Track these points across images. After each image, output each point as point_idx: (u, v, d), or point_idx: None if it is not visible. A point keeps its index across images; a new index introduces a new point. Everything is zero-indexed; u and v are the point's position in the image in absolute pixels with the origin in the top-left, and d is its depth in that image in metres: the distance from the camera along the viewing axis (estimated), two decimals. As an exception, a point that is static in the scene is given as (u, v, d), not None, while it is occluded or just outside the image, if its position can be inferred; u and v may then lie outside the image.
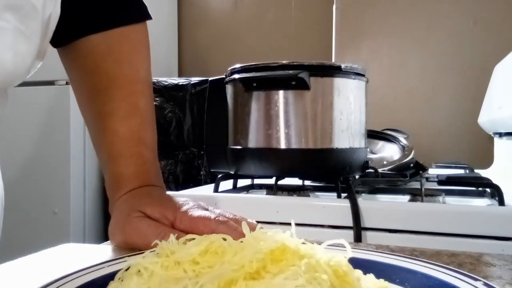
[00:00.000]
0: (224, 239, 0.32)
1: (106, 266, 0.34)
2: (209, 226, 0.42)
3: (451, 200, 0.85)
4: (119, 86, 0.57)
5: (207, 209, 0.46)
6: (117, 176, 0.55)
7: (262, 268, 0.28)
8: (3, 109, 0.54)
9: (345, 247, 0.30)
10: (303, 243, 0.30)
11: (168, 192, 0.58)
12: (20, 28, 0.46)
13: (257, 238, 0.30)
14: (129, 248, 0.45)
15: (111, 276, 0.32)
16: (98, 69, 0.57)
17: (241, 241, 0.31)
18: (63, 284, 0.31)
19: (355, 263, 0.30)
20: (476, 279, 0.31)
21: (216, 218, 0.43)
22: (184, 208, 0.46)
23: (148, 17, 0.60)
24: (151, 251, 0.32)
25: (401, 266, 0.35)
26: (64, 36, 0.58)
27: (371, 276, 0.32)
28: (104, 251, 0.47)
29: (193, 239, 0.32)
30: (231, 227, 0.42)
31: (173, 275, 0.29)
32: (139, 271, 0.30)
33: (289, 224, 0.31)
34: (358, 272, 0.31)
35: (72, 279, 0.32)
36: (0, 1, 0.43)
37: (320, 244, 0.30)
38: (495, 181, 0.81)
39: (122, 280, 0.31)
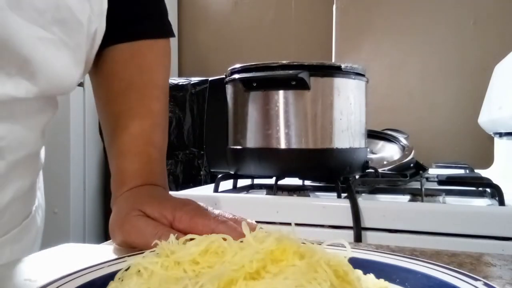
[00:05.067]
0: (224, 239, 0.32)
1: (106, 266, 0.34)
2: (208, 226, 0.42)
3: (451, 200, 0.85)
4: (136, 89, 0.59)
5: (206, 210, 0.46)
6: (121, 172, 0.56)
7: (262, 268, 0.28)
8: (52, 116, 0.56)
9: (345, 247, 0.30)
10: (303, 243, 0.30)
11: (169, 192, 0.58)
12: (64, 40, 0.49)
13: (257, 238, 0.30)
14: (128, 247, 0.45)
15: (111, 276, 0.32)
16: (119, 74, 0.59)
17: (241, 241, 0.31)
18: (63, 284, 0.31)
19: (355, 263, 0.30)
20: (476, 279, 0.31)
21: (215, 218, 0.43)
22: (184, 208, 0.46)
23: (172, 34, 0.64)
24: (151, 251, 0.32)
25: (401, 266, 0.35)
26: None
27: (371, 276, 0.32)
28: (104, 251, 0.47)
29: (193, 239, 0.32)
30: (231, 227, 0.42)
31: (173, 275, 0.29)
32: (139, 271, 0.30)
33: (289, 224, 0.31)
34: (358, 272, 0.31)
35: (72, 279, 0.32)
36: (49, 15, 0.46)
37: (320, 244, 0.30)
38: (495, 181, 0.81)
39: (122, 280, 0.31)
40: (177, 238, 0.33)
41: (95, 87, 0.62)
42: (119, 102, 0.59)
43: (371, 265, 0.35)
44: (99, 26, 0.53)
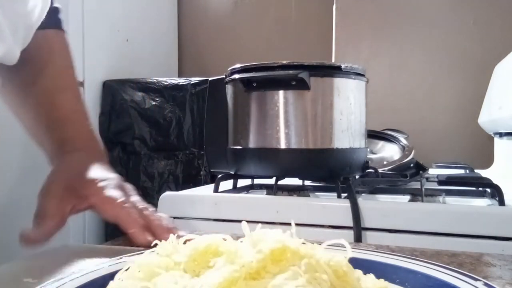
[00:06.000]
0: (224, 239, 0.32)
1: (106, 266, 0.34)
2: (115, 208, 0.48)
3: (451, 200, 0.85)
4: (52, 67, 0.68)
5: (125, 191, 0.51)
6: (62, 139, 0.63)
7: (262, 268, 0.28)
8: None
9: (345, 247, 0.30)
10: (303, 243, 0.30)
11: (169, 192, 0.59)
12: (3, 5, 0.55)
13: (257, 238, 0.30)
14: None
15: (111, 276, 0.32)
16: (35, 57, 0.66)
17: (241, 241, 0.31)
18: (63, 284, 0.31)
19: (355, 263, 0.30)
20: (476, 279, 0.31)
21: (120, 201, 0.48)
22: (101, 184, 0.51)
23: (65, 30, 0.73)
24: (151, 251, 0.32)
25: (401, 266, 0.35)
26: None
27: (371, 276, 0.32)
28: (104, 251, 0.47)
29: (193, 239, 0.32)
30: (132, 214, 0.47)
31: (173, 275, 0.29)
32: (139, 271, 0.30)
33: (289, 224, 0.31)
34: (358, 272, 0.31)
35: (72, 279, 0.32)
36: None
37: (320, 244, 0.30)
38: (495, 181, 0.81)
39: (122, 280, 0.31)
40: (177, 238, 0.33)
41: (9, 74, 0.68)
42: (40, 81, 0.67)
43: (371, 265, 0.35)
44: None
